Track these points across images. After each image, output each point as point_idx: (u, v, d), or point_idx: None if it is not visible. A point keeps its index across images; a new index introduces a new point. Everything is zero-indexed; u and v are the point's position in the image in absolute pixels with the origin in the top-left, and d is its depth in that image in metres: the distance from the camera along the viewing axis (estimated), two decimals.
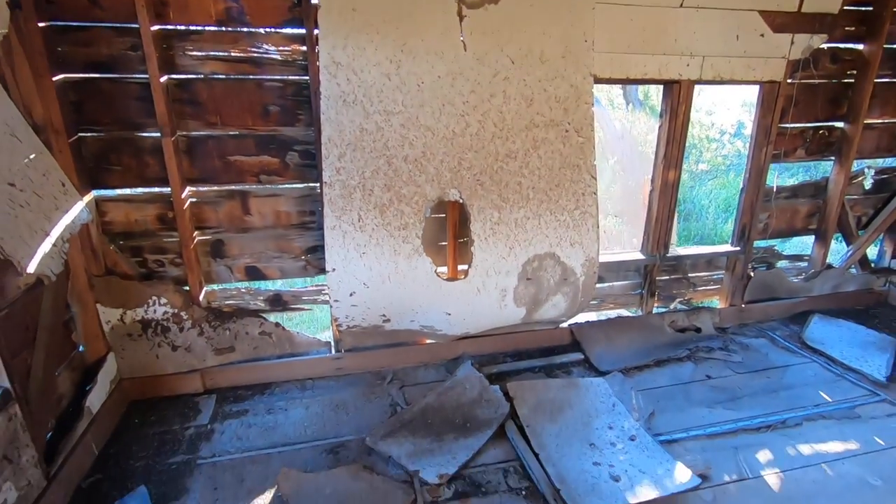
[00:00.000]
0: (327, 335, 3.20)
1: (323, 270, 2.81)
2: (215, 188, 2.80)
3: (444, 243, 3.04)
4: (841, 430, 2.60)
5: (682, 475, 2.21)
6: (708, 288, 3.85)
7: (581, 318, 3.53)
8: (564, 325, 3.40)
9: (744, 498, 2.17)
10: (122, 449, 2.44)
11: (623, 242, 7.04)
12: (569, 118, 2.78)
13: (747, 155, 3.55)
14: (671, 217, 3.47)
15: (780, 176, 4.56)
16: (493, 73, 2.62)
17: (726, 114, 10.40)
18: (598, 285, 3.53)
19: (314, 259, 2.97)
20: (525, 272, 2.85)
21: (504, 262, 2.80)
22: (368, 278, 2.69)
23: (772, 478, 2.28)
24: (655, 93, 10.28)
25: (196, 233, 2.80)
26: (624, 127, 9.48)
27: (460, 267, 3.01)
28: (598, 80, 2.88)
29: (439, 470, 2.29)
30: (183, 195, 2.65)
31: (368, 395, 2.88)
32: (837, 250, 4.16)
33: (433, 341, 3.17)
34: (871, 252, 4.17)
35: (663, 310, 3.71)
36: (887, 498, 2.16)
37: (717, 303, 3.86)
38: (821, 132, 3.62)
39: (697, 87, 3.19)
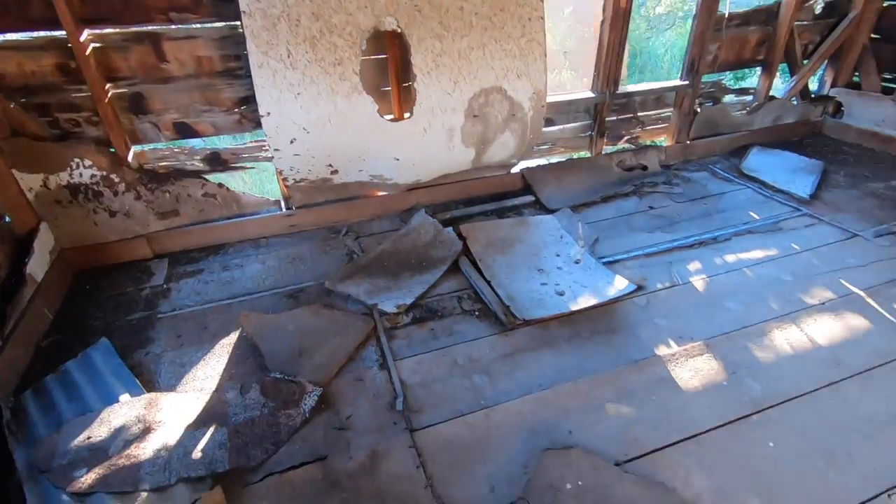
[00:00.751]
0: (277, 193, 3.11)
1: (260, 125, 2.63)
2: (119, 30, 2.45)
3: (387, 88, 2.86)
4: (763, 241, 2.84)
5: (620, 284, 2.41)
6: (656, 126, 3.88)
7: (532, 163, 3.55)
8: (515, 169, 3.42)
9: (673, 300, 2.41)
10: (78, 312, 2.43)
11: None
12: None
13: None
14: (622, 50, 3.34)
15: (734, 3, 4.38)
16: None
17: None
18: (548, 129, 3.50)
19: (248, 112, 2.75)
20: (472, 108, 2.75)
21: (449, 98, 2.68)
22: (307, 122, 2.54)
23: (699, 283, 2.53)
24: None
25: (109, 85, 2.51)
26: None
27: (406, 114, 2.87)
28: None
29: (397, 302, 2.40)
30: (82, 39, 2.32)
31: (324, 248, 2.91)
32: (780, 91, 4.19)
33: (385, 193, 3.14)
34: (813, 85, 4.24)
35: (611, 150, 3.75)
36: (794, 288, 2.44)
37: (665, 141, 3.92)
38: None
39: None
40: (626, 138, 3.77)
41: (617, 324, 2.28)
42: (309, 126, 2.54)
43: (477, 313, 2.37)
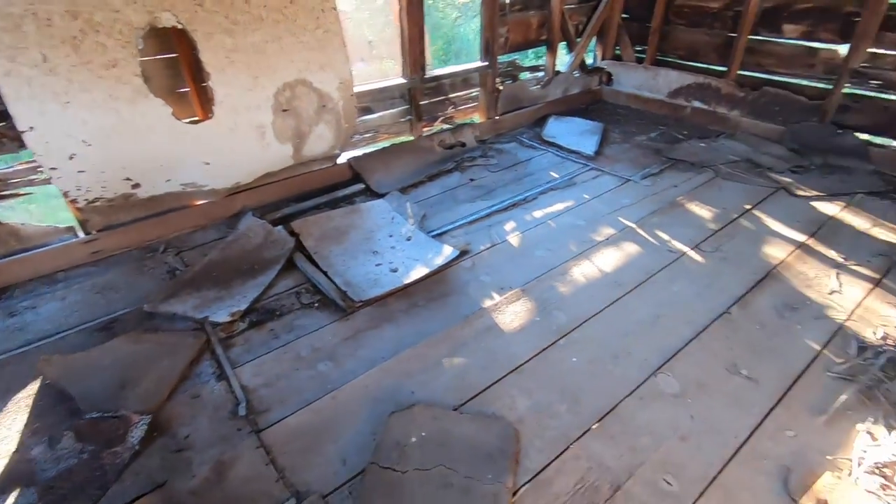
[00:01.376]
0: (68, 219, 2.73)
1: (24, 143, 2.27)
2: None
3: (185, 89, 2.67)
4: (562, 196, 3.31)
5: (447, 251, 2.63)
6: (468, 106, 4.22)
7: (360, 152, 3.62)
8: (342, 160, 3.46)
9: (494, 258, 2.71)
10: None
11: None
12: None
13: None
14: (422, 36, 3.56)
15: None
16: None
17: None
18: (369, 117, 3.60)
19: (6, 129, 2.36)
20: (279, 103, 2.71)
21: (251, 94, 2.60)
22: (88, 134, 2.27)
23: (514, 239, 2.87)
24: None
25: None
26: None
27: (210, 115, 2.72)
28: None
29: (230, 310, 2.31)
30: None
31: (139, 270, 2.65)
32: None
33: (206, 201, 2.95)
34: (589, 60, 4.98)
35: (431, 131, 4.00)
36: (586, 231, 2.91)
37: (477, 118, 4.29)
38: None
39: None
40: (441, 119, 4.04)
41: (448, 288, 2.49)
42: (90, 138, 2.27)
43: (317, 305, 2.39)
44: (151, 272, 2.63)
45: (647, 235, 2.86)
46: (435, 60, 8.42)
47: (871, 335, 2.11)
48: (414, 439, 1.70)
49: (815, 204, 3.12)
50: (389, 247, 2.78)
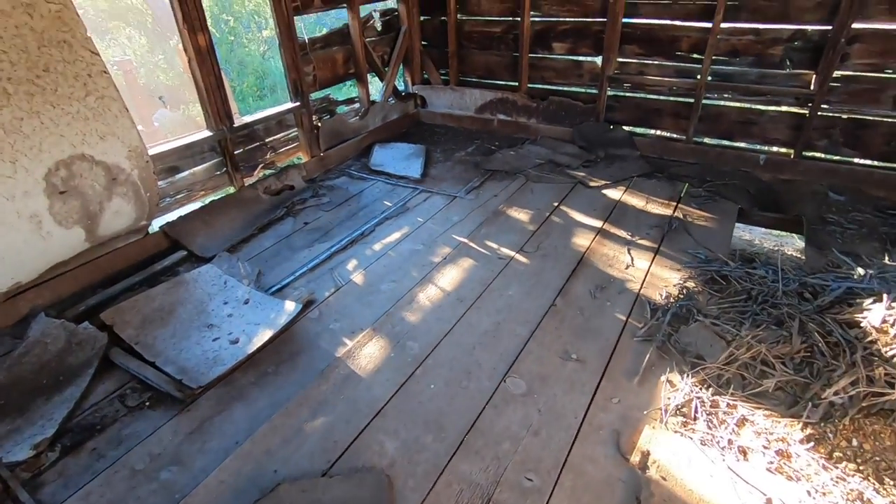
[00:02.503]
0: None
1: None
2: None
3: None
4: (398, 223, 3.42)
5: (290, 308, 2.54)
6: (289, 147, 4.11)
7: (174, 215, 3.30)
8: (153, 229, 3.12)
9: (340, 301, 2.68)
10: None
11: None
12: None
13: (271, 10, 3.64)
14: (221, 85, 3.38)
15: (314, 28, 4.93)
16: None
17: None
18: (178, 176, 3.30)
19: None
20: (54, 186, 2.34)
21: (13, 181, 2.21)
22: None
23: (358, 277, 2.88)
24: None
25: None
26: None
27: None
28: None
29: (34, 440, 1.93)
30: None
31: None
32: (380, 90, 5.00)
33: None
34: (401, 86, 5.22)
35: (254, 180, 3.82)
36: (425, 254, 3.05)
37: (301, 158, 4.21)
38: None
39: None
40: (262, 165, 3.88)
41: (297, 345, 2.40)
42: None
43: (148, 403, 2.12)
44: None
45: (478, 247, 3.10)
46: (249, 98, 8.02)
47: (659, 297, 2.57)
48: None
49: (605, 192, 3.70)
50: (226, 315, 2.58)
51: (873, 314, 1.93)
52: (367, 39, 4.53)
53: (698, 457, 1.76)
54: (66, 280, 2.72)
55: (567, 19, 4.21)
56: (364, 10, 4.42)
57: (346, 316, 2.58)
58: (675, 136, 4.17)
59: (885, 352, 1.80)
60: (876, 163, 3.52)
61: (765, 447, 1.74)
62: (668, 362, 2.17)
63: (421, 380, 2.17)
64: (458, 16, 4.70)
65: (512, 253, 3.03)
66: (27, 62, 2.18)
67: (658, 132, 4.29)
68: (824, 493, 1.58)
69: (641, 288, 2.67)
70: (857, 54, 3.31)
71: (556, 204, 3.56)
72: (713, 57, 3.71)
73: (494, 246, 3.11)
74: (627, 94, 4.24)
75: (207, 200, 3.59)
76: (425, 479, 1.76)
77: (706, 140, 4.07)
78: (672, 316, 2.39)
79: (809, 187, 3.57)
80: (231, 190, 3.70)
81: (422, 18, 4.92)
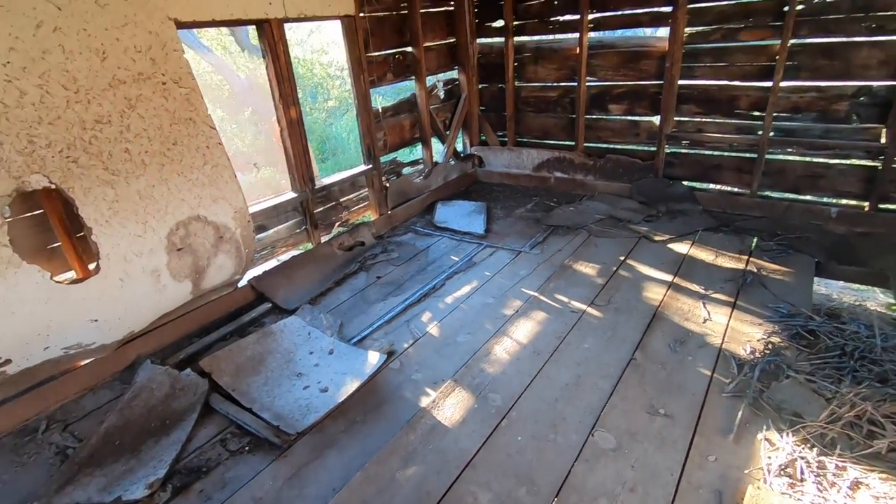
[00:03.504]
0: None
1: None
2: None
3: (56, 244, 2.47)
4: (467, 277, 3.54)
5: (373, 358, 2.65)
6: (359, 206, 4.40)
7: (259, 270, 3.55)
8: (243, 282, 3.36)
9: (419, 352, 2.77)
10: None
11: (282, 188, 7.16)
12: (161, 69, 2.54)
13: (351, 84, 4.04)
14: (307, 152, 3.72)
15: (384, 98, 5.38)
16: (35, 22, 2.12)
17: (338, 51, 11.31)
18: (263, 234, 3.58)
19: None
20: (173, 244, 2.62)
21: (142, 240, 2.49)
22: None
23: (434, 329, 2.98)
24: None
25: None
26: (248, 75, 9.20)
27: (91, 265, 2.53)
28: (180, 25, 2.68)
29: (147, 480, 2.06)
30: None
31: (18, 460, 2.25)
32: (442, 150, 5.31)
33: (91, 359, 2.65)
34: (460, 147, 5.52)
35: (329, 237, 4.08)
36: (497, 307, 3.13)
37: (370, 216, 4.47)
38: (397, 56, 4.40)
39: (296, 26, 3.35)
40: (337, 223, 4.15)
41: (382, 395, 2.49)
42: None
43: (248, 448, 2.23)
44: (35, 459, 2.26)
45: (549, 301, 3.16)
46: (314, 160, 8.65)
47: (743, 352, 2.52)
48: None
49: (671, 246, 3.72)
50: (313, 365, 2.72)
51: None
52: (432, 106, 4.88)
53: None
54: (166, 329, 2.96)
55: (623, 83, 4.41)
56: (429, 80, 4.80)
57: (426, 367, 2.66)
58: (738, 190, 4.18)
59: None
60: None
61: (880, 494, 1.65)
62: (764, 420, 2.11)
63: (507, 432, 2.19)
64: (516, 83, 5.01)
65: (584, 306, 3.06)
66: (161, 137, 2.53)
67: (720, 187, 4.31)
68: None
69: (723, 342, 2.63)
70: None
71: (622, 258, 3.60)
72: (774, 114, 3.77)
73: (565, 299, 3.16)
74: (686, 151, 4.32)
75: (288, 256, 3.85)
76: None
77: (772, 194, 4.05)
78: (761, 371, 2.34)
79: (890, 240, 3.47)
80: (309, 246, 3.96)
81: (480, 86, 5.27)
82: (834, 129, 3.65)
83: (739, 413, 2.15)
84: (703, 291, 3.11)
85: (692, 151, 4.30)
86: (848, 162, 3.70)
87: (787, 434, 1.99)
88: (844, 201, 3.77)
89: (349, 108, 10.54)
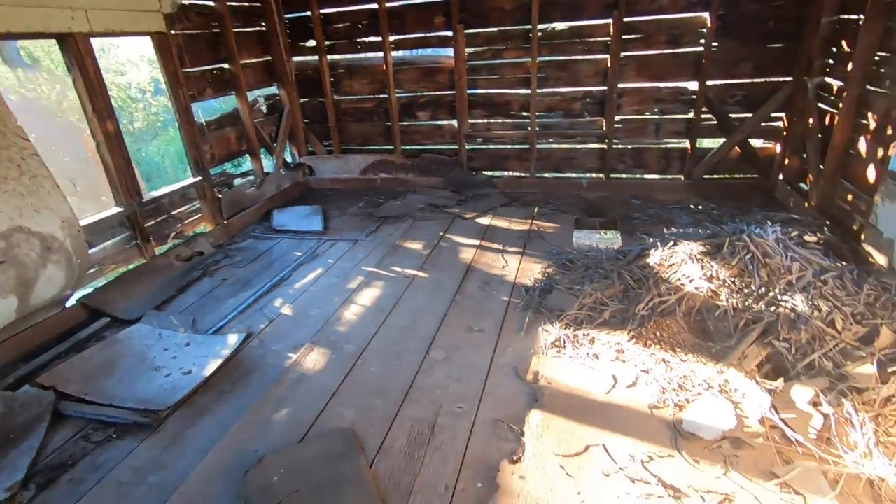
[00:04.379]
0: None
1: None
2: None
3: None
4: (312, 266, 3.92)
5: (232, 339, 2.89)
6: (194, 218, 4.43)
7: (89, 289, 3.42)
8: (71, 302, 3.23)
9: (276, 330, 3.08)
10: None
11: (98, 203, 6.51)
12: None
13: (170, 99, 4.11)
14: (129, 164, 3.70)
15: (207, 112, 5.43)
16: None
17: (137, 73, 10.46)
18: (91, 250, 3.47)
19: None
20: None
21: None
22: None
23: (287, 310, 3.31)
24: (44, 52, 8.91)
25: None
26: (25, 95, 8.00)
27: None
28: None
29: (5, 485, 2.03)
30: None
31: None
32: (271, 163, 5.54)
33: None
34: (290, 158, 5.82)
35: (165, 248, 4.06)
36: (342, 284, 3.59)
37: (206, 227, 4.52)
38: (215, 72, 4.58)
39: (101, 43, 3.36)
40: (172, 235, 4.15)
41: (247, 367, 2.75)
42: None
43: (116, 435, 2.32)
44: None
45: (386, 272, 3.73)
46: None
47: (529, 282, 3.42)
48: (276, 478, 1.99)
49: (478, 220, 4.62)
50: (171, 357, 2.84)
51: (654, 257, 2.95)
52: (256, 120, 5.12)
53: (568, 365, 2.52)
54: None
55: (425, 93, 5.27)
56: (251, 95, 5.04)
57: (284, 339, 2.99)
58: (521, 174, 5.34)
59: (664, 276, 2.80)
60: (655, 175, 4.96)
61: (608, 350, 2.57)
62: (543, 319, 2.96)
63: (361, 367, 2.68)
64: (335, 96, 5.55)
65: (414, 272, 3.71)
66: None
67: (509, 173, 5.43)
68: (644, 364, 2.42)
69: (516, 278, 3.51)
70: (627, 104, 4.77)
71: (441, 233, 4.37)
72: (537, 113, 4.97)
73: (399, 269, 3.77)
74: (481, 147, 5.35)
75: (119, 273, 3.74)
76: (382, 425, 2.26)
77: (544, 174, 5.28)
78: (540, 291, 3.23)
79: (618, 198, 4.87)
80: (142, 261, 3.89)
81: (302, 100, 5.67)
82: (575, 122, 4.98)
83: (527, 318, 2.98)
84: (501, 248, 4.01)
85: (486, 146, 5.34)
86: (588, 146, 5.07)
87: (556, 324, 2.87)
88: (590, 174, 5.14)
89: (159, 132, 9.87)
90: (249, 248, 4.36)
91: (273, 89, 5.51)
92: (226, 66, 4.68)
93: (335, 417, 2.33)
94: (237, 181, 5.00)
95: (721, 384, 2.22)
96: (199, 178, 4.37)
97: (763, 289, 2.50)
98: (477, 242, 4.15)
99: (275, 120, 5.48)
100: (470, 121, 5.23)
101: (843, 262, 2.75)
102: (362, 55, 5.32)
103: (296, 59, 5.44)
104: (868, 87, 3.38)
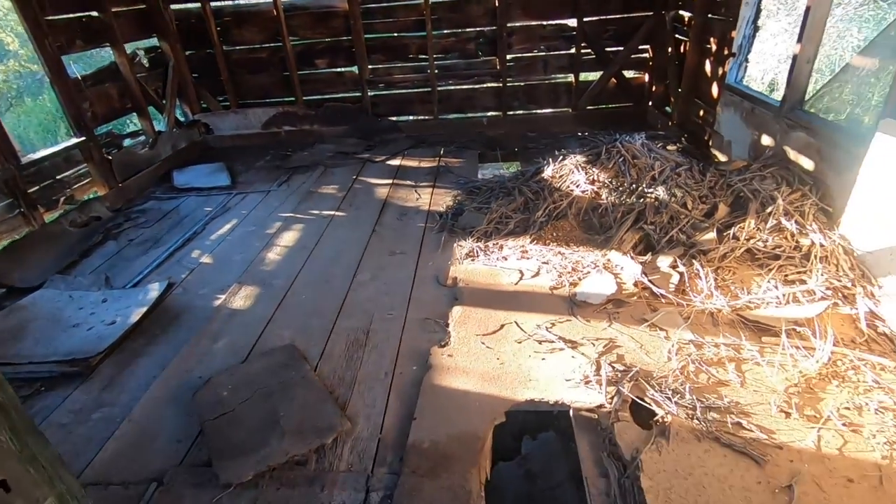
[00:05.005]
0: None
1: None
2: None
3: None
4: (226, 218, 3.88)
5: (154, 288, 2.87)
6: (83, 183, 4.12)
7: None
8: None
9: (200, 277, 3.09)
10: None
11: None
12: None
13: (36, 51, 3.71)
14: None
15: (87, 66, 4.94)
16: None
17: None
18: None
19: None
20: None
21: None
22: None
23: (207, 259, 3.30)
24: None
25: None
26: None
27: None
28: None
29: None
30: None
31: None
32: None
33: None
34: (182, 117, 5.48)
35: (56, 215, 3.78)
36: (260, 230, 3.62)
37: (99, 192, 4.23)
38: (84, 20, 4.17)
39: None
40: (62, 200, 3.86)
41: (175, 312, 2.77)
42: None
43: (43, 388, 2.28)
44: None
45: (304, 216, 3.81)
46: None
47: (441, 209, 3.70)
48: (226, 392, 2.13)
49: (388, 162, 4.78)
50: (89, 314, 2.77)
51: (547, 172, 3.35)
52: (139, 75, 4.76)
53: (482, 269, 2.86)
54: None
55: (321, 40, 5.20)
56: (129, 48, 4.66)
57: (210, 283, 3.02)
58: (426, 117, 5.53)
59: (556, 186, 3.21)
60: (547, 110, 5.40)
61: (514, 252, 2.94)
62: (456, 237, 3.26)
63: (293, 296, 2.82)
64: (224, 47, 5.27)
65: (332, 212, 3.83)
66: None
67: (413, 117, 5.59)
68: (545, 258, 2.83)
69: (430, 208, 3.77)
70: (516, 42, 5.09)
71: (354, 177, 4.48)
72: (434, 55, 5.14)
73: (316, 212, 3.86)
74: (384, 92, 5.43)
75: (5, 243, 3.46)
76: (321, 338, 2.45)
77: (447, 116, 5.52)
78: (452, 215, 3.53)
79: (516, 133, 5.26)
80: (30, 229, 3.61)
81: (188, 53, 5.32)
82: (472, 63, 5.22)
83: (442, 238, 3.27)
84: (413, 184, 4.23)
85: (388, 92, 5.43)
86: (485, 86, 5.36)
87: (468, 239, 3.18)
88: (490, 113, 5.46)
89: (12, 101, 8.67)
90: (153, 209, 4.18)
91: (154, 41, 5.11)
92: (94, 13, 4.27)
93: (274, 339, 2.48)
94: (127, 142, 4.68)
95: (605, 263, 2.68)
96: (83, 138, 4.04)
97: (634, 185, 2.98)
98: (390, 181, 4.33)
99: (160, 75, 5.11)
100: (370, 66, 5.27)
101: (694, 160, 3.33)
102: (250, 0, 5.09)
103: (174, 6, 5.06)
104: (709, 15, 3.96)
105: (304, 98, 5.48)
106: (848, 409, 1.79)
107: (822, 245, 2.41)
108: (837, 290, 2.28)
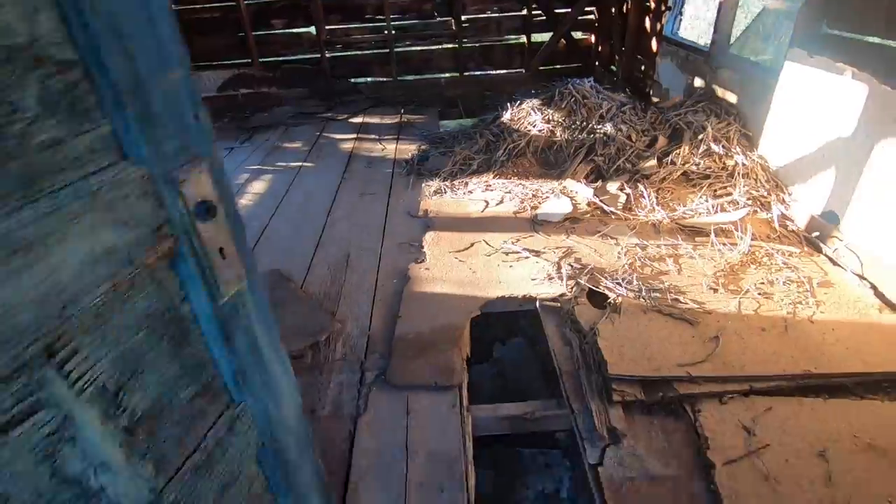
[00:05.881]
0: None
1: None
2: None
3: None
4: None
5: None
6: None
7: None
8: None
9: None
10: None
11: None
12: None
13: None
14: None
15: None
16: None
17: None
18: None
19: None
20: None
21: None
22: None
23: None
24: None
25: None
26: None
27: None
28: None
29: None
30: None
31: None
32: None
33: None
34: None
35: None
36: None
37: None
38: None
39: None
40: None
41: None
42: None
43: None
44: None
45: (272, 168, 3.89)
46: None
47: (408, 157, 3.87)
48: None
49: (351, 120, 4.89)
50: None
51: (506, 116, 3.59)
52: None
53: (450, 202, 3.08)
54: None
55: None
56: None
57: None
58: (385, 79, 5.63)
59: (514, 128, 3.45)
60: (502, 70, 5.63)
61: (479, 187, 3.18)
62: (424, 178, 3.46)
63: (270, 235, 2.94)
64: (172, 6, 5.15)
65: (300, 164, 3.93)
66: None
67: (372, 79, 5.69)
68: (507, 189, 3.08)
69: (395, 157, 3.93)
70: (471, 3, 5.27)
71: (318, 133, 4.57)
72: (392, 16, 5.23)
73: (284, 164, 3.95)
74: (343, 54, 5.49)
75: None
76: (303, 265, 2.60)
77: (407, 77, 5.65)
78: (418, 160, 3.71)
79: (474, 93, 5.47)
80: None
81: None
82: (429, 23, 5.36)
83: (411, 180, 3.46)
84: (378, 137, 4.38)
85: (347, 53, 5.49)
86: (443, 47, 5.51)
87: (436, 179, 3.39)
88: (448, 74, 5.63)
89: None
90: None
91: None
92: None
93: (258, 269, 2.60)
94: None
95: (561, 189, 2.96)
96: None
97: (584, 122, 3.27)
98: (354, 136, 4.45)
99: None
100: (328, 27, 5.30)
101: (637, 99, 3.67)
102: None
103: None
104: None
105: (261, 60, 5.44)
106: (763, 283, 2.15)
107: (744, 164, 2.78)
108: (756, 199, 2.66)
